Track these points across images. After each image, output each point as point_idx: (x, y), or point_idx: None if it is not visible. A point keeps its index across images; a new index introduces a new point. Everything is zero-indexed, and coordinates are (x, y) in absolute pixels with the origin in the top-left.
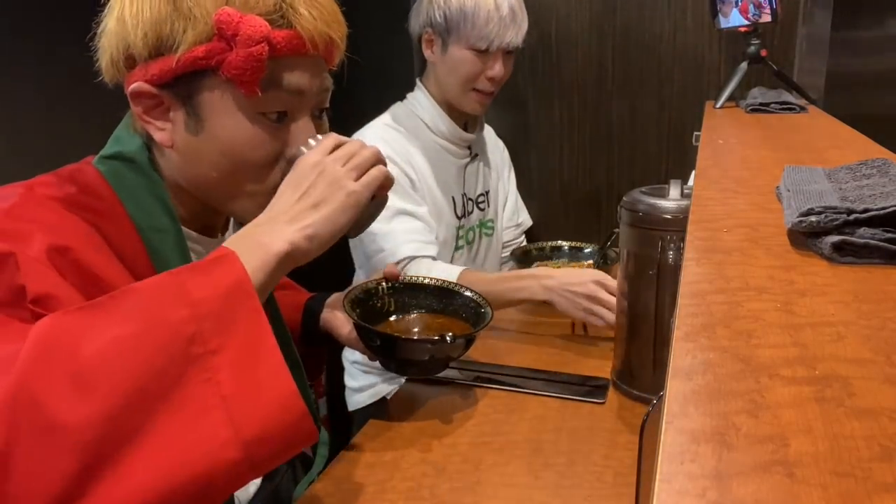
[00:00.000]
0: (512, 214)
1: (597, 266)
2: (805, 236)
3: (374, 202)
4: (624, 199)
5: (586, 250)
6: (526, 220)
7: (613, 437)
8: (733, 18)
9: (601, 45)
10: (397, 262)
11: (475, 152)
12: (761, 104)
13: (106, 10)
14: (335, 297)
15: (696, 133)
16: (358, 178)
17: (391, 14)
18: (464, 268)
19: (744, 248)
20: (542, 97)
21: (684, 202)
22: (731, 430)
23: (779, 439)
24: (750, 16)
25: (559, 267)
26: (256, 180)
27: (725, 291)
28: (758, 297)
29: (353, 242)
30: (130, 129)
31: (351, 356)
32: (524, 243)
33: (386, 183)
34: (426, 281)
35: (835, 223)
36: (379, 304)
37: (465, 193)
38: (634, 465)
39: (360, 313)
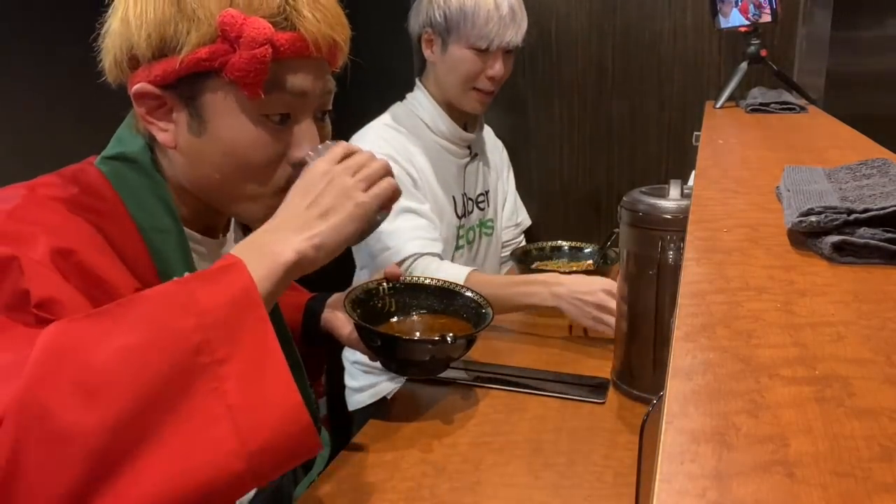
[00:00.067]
0: (511, 214)
1: (596, 266)
2: (805, 236)
3: (380, 213)
4: (624, 199)
5: (586, 250)
6: (525, 220)
7: (613, 437)
8: (733, 18)
9: (601, 44)
10: (403, 260)
11: (475, 152)
12: (761, 104)
13: (110, 11)
14: (336, 297)
15: (696, 133)
16: (367, 189)
17: (391, 14)
18: (472, 268)
19: (744, 248)
20: (542, 97)
21: (684, 202)
22: (731, 430)
23: (779, 439)
24: (750, 16)
25: (559, 267)
26: (259, 182)
27: (725, 291)
28: (758, 297)
29: None
30: (133, 130)
31: (351, 356)
32: (523, 243)
33: (394, 195)
34: (427, 281)
35: (835, 223)
36: (380, 305)
37: (465, 193)
38: (634, 465)
39: (361, 314)
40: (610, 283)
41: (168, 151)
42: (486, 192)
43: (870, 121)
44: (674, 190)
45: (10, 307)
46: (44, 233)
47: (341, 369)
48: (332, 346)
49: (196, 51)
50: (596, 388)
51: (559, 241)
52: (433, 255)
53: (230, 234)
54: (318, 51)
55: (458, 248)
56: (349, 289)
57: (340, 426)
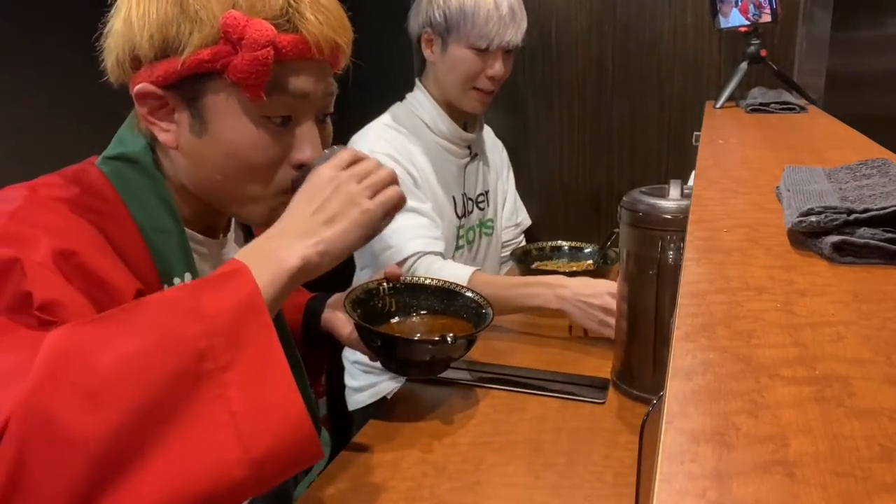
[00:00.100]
0: (511, 214)
1: (596, 266)
2: (805, 236)
3: (384, 220)
4: (624, 199)
5: (586, 250)
6: (525, 220)
7: (613, 437)
8: (733, 18)
9: (601, 44)
10: (406, 259)
11: (475, 152)
12: (761, 104)
13: (112, 11)
14: (336, 297)
15: (696, 133)
16: (372, 196)
17: (391, 14)
18: (476, 268)
19: (744, 248)
20: (542, 97)
21: (684, 202)
22: (731, 430)
23: (779, 439)
24: (750, 16)
25: (559, 267)
26: (260, 183)
27: (725, 291)
28: (758, 297)
29: None
30: (134, 130)
31: (351, 356)
32: (523, 243)
33: (399, 203)
34: (427, 281)
35: (835, 223)
36: (380, 305)
37: (465, 193)
38: (634, 465)
39: (361, 314)
40: (614, 286)
41: (169, 152)
42: (486, 192)
43: (870, 121)
44: (674, 190)
45: (12, 309)
46: (46, 234)
47: (341, 369)
48: (332, 347)
49: (198, 52)
50: (596, 388)
51: (559, 241)
52: (436, 253)
53: (230, 235)
54: (320, 53)
55: (458, 248)
56: (349, 289)
57: (340, 426)
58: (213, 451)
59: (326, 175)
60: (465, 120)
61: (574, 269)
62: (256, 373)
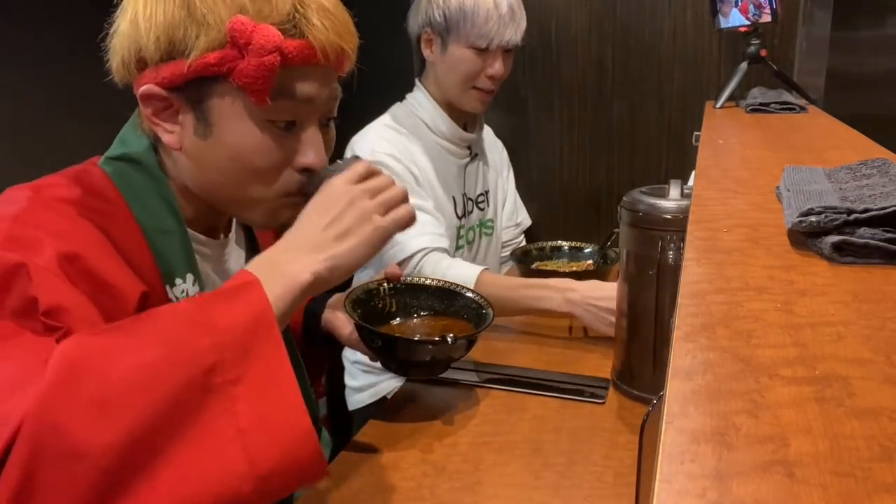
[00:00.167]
0: (511, 214)
1: (596, 266)
2: (805, 236)
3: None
4: (624, 199)
5: (586, 250)
6: (525, 220)
7: (613, 437)
8: (733, 18)
9: (601, 44)
10: (412, 255)
11: (475, 152)
12: (761, 104)
13: (119, 12)
14: (336, 297)
15: (696, 133)
16: (385, 214)
17: (391, 14)
18: (483, 268)
19: (744, 248)
20: (542, 97)
21: (684, 202)
22: (731, 430)
23: (779, 439)
24: (750, 16)
25: (559, 267)
26: (263, 186)
27: (725, 291)
28: (758, 297)
29: None
30: (137, 130)
31: (351, 356)
32: (523, 243)
33: (410, 222)
34: (428, 282)
35: (835, 223)
36: (380, 305)
37: (465, 193)
38: (634, 465)
39: (362, 314)
40: None
41: (173, 153)
42: (486, 192)
43: (870, 121)
44: (674, 190)
45: (18, 314)
46: (50, 237)
47: (341, 369)
48: (332, 347)
49: (204, 55)
50: (596, 388)
51: (559, 241)
52: (442, 250)
53: (231, 235)
54: (325, 59)
55: (458, 248)
56: (349, 289)
57: (340, 426)
58: (221, 465)
59: (340, 188)
60: (465, 120)
61: (574, 269)
62: (265, 387)
